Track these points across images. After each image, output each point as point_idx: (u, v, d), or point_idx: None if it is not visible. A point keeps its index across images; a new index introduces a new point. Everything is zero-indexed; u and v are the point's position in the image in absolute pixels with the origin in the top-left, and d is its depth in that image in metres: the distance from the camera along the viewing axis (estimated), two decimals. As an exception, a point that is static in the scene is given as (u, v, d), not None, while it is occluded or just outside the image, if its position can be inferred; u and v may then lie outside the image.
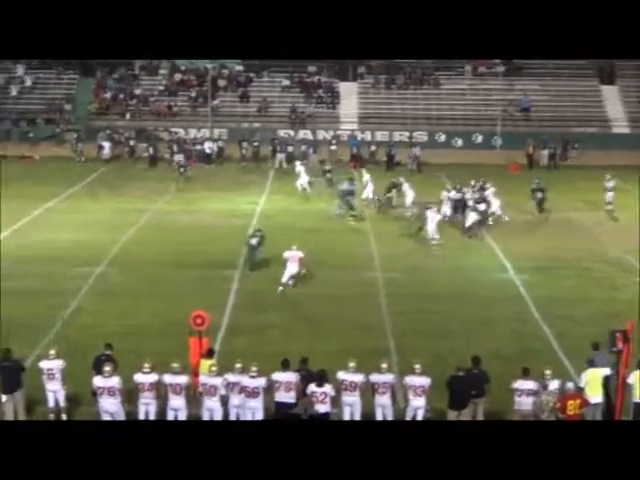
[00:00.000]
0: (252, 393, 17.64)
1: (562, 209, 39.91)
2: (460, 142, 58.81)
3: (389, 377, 18.07)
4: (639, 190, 41.51)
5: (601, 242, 34.35)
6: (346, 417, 17.95)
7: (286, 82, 63.35)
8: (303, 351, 19.76)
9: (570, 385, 17.66)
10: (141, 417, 17.83)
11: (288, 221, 36.96)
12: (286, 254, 27.85)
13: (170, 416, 17.77)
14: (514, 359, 21.24)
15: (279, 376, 17.91)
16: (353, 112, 61.60)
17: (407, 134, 58.43)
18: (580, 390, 17.87)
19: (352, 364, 17.93)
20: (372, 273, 29.94)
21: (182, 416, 17.76)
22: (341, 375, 17.91)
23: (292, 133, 58.57)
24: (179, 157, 48.51)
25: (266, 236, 30.03)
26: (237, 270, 29.79)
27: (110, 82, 63.25)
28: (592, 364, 18.45)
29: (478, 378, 18.23)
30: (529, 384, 17.80)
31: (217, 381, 17.66)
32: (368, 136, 57.81)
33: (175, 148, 50.79)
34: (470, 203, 35.82)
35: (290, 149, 52.09)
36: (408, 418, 17.92)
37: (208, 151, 52.56)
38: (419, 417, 17.87)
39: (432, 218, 33.61)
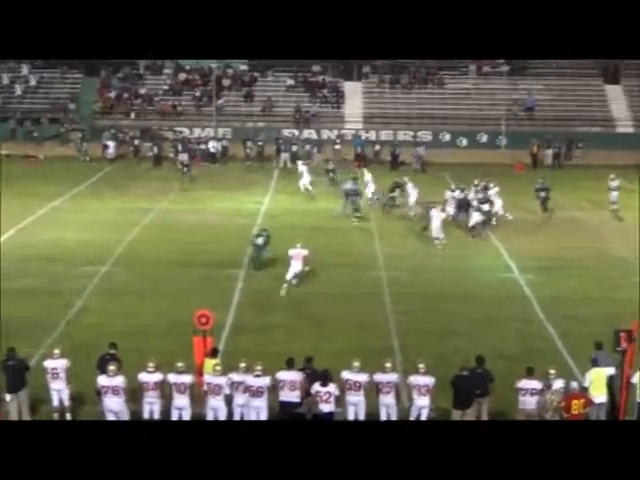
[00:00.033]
0: (256, 392, 17.64)
1: (566, 208, 39.90)
2: (464, 142, 58.78)
3: (393, 377, 18.08)
4: (639, 189, 41.47)
5: (606, 242, 34.32)
6: (350, 417, 17.95)
7: (290, 82, 63.34)
8: (307, 350, 19.75)
9: (574, 385, 17.68)
10: (145, 416, 17.86)
11: (292, 220, 36.94)
12: (291, 252, 27.89)
13: (174, 415, 17.79)
14: (518, 359, 21.25)
15: (284, 375, 17.92)
16: (357, 112, 61.58)
17: (411, 134, 58.40)
18: (584, 390, 17.87)
19: (356, 363, 17.94)
20: (376, 272, 29.93)
21: (186, 415, 17.78)
22: (345, 375, 17.91)
23: (296, 132, 58.55)
24: (183, 156, 48.48)
25: (272, 236, 30.01)
26: (242, 269, 29.80)
27: (114, 81, 63.27)
28: (596, 364, 18.45)
29: (482, 378, 18.22)
30: (533, 384, 17.80)
31: (221, 380, 17.67)
32: (372, 136, 57.82)
33: (179, 147, 50.71)
34: (474, 203, 35.78)
35: (294, 148, 52.04)
36: (412, 417, 17.93)
37: (212, 150, 52.56)
38: (423, 416, 17.88)
39: (436, 217, 33.58)
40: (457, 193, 37.25)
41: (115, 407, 17.57)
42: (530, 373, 18.00)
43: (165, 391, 17.81)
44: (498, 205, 37.01)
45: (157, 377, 17.76)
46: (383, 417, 18.02)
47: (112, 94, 62.14)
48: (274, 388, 17.84)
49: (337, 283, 28.50)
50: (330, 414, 17.55)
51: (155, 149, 51.74)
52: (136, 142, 53.83)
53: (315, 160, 50.42)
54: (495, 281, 29.27)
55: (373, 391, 17.99)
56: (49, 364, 18.68)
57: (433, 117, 60.57)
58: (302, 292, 27.52)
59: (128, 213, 38.58)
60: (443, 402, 18.07)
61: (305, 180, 42.62)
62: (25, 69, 63.01)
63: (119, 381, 17.54)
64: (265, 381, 17.68)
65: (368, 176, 40.88)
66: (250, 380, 17.70)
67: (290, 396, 17.83)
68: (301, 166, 43.88)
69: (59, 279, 28.46)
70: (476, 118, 60.22)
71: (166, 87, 63.15)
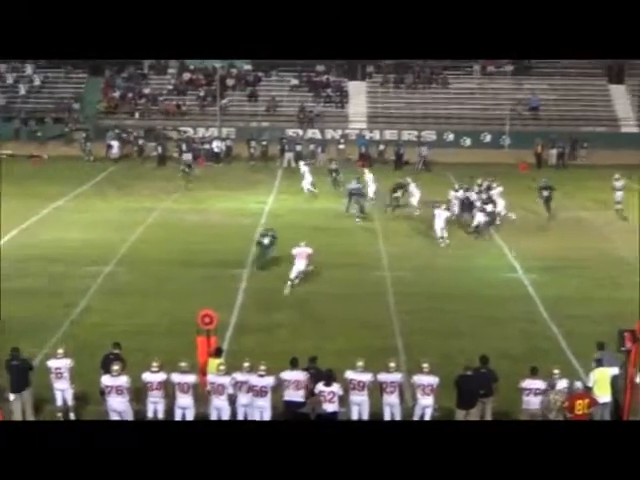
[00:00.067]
0: (260, 392, 17.65)
1: (571, 208, 39.88)
2: (468, 141, 58.78)
3: (397, 376, 18.06)
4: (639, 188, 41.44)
5: (610, 242, 34.27)
6: (354, 416, 17.95)
7: (295, 81, 63.37)
8: (311, 350, 19.76)
9: (578, 384, 17.65)
10: (149, 416, 17.87)
11: (296, 220, 36.93)
12: (294, 250, 27.94)
13: (178, 415, 17.80)
14: (522, 358, 21.23)
15: (288, 375, 17.92)
16: (362, 111, 61.60)
17: (415, 133, 58.38)
18: (588, 390, 17.85)
19: (360, 363, 17.94)
20: (380, 272, 29.92)
21: (190, 415, 17.79)
22: (349, 374, 17.91)
23: (300, 132, 58.61)
24: (187, 156, 48.55)
25: (277, 236, 29.96)
26: (245, 269, 29.81)
27: (119, 81, 63.35)
28: (600, 363, 18.43)
29: (486, 377, 18.22)
30: (537, 383, 17.79)
31: (225, 380, 17.68)
32: (377, 135, 57.90)
33: (183, 147, 50.78)
34: (478, 204, 35.74)
35: (298, 148, 52.10)
36: (416, 417, 17.92)
37: (216, 150, 52.59)
38: (427, 416, 17.87)
39: (439, 215, 33.63)
40: (461, 193, 37.24)
41: (119, 407, 17.58)
42: (534, 373, 17.99)
43: (169, 391, 17.82)
44: (501, 205, 36.96)
45: (161, 377, 17.77)
46: (387, 417, 18.01)
47: (116, 94, 62.22)
48: (278, 388, 17.85)
49: (341, 283, 28.50)
50: (334, 414, 17.55)
51: (159, 149, 51.79)
52: (140, 142, 53.87)
53: (319, 160, 50.47)
54: (499, 281, 29.25)
55: (377, 391, 17.97)
56: (53, 364, 18.70)
57: (437, 117, 60.61)
58: (306, 292, 27.52)
59: (132, 213, 38.60)
60: (447, 402, 18.07)
61: (306, 181, 42.61)
62: (29, 69, 63.09)
63: (123, 381, 17.55)
64: (269, 381, 17.68)
65: (369, 176, 40.86)
66: (254, 380, 17.70)
67: (294, 396, 17.83)
68: (303, 167, 43.88)
69: (62, 279, 28.48)
70: (480, 118, 60.23)
71: (170, 87, 63.21)
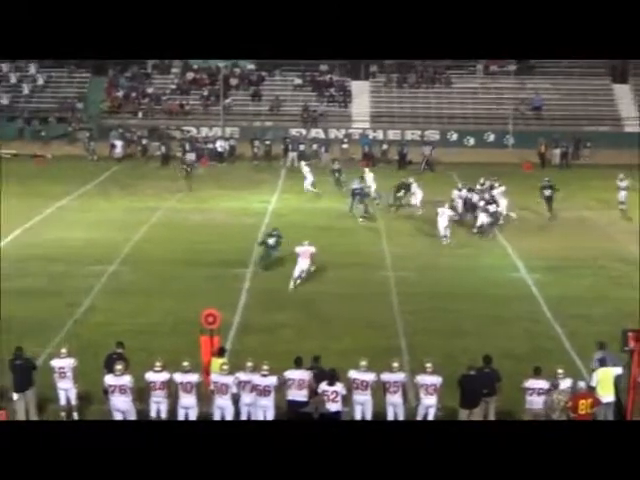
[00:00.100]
0: (263, 391, 17.65)
1: (574, 208, 39.84)
2: (472, 141, 58.72)
3: (400, 376, 18.06)
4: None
5: (614, 241, 34.25)
6: (357, 416, 17.94)
7: (298, 81, 63.33)
8: (314, 350, 19.74)
9: (582, 384, 17.65)
10: (152, 415, 17.88)
11: (300, 220, 36.91)
12: (298, 249, 27.98)
13: (181, 415, 17.81)
14: (526, 358, 21.23)
15: (292, 374, 17.93)
16: (365, 111, 61.54)
17: (419, 133, 58.33)
18: (592, 389, 17.84)
19: (363, 363, 17.94)
20: (384, 272, 29.92)
21: (193, 414, 17.80)
22: (352, 374, 17.91)
23: (304, 132, 58.53)
24: (191, 155, 48.57)
25: (283, 236, 29.92)
26: (249, 269, 29.82)
27: (122, 81, 63.32)
28: (604, 363, 18.42)
29: (489, 377, 18.22)
30: (540, 383, 17.78)
31: (228, 379, 17.68)
32: (380, 135, 57.81)
33: (187, 147, 50.76)
34: (481, 204, 35.68)
35: (302, 148, 52.06)
36: (419, 417, 17.92)
37: (220, 150, 52.59)
38: (430, 416, 17.87)
39: (442, 213, 33.65)
40: (464, 192, 37.23)
41: (122, 406, 17.59)
42: (537, 373, 17.99)
43: (172, 390, 17.82)
44: (503, 204, 36.92)
45: (164, 376, 17.77)
46: (390, 416, 18.01)
47: (120, 93, 62.19)
48: (281, 387, 17.86)
49: (345, 283, 28.49)
50: (337, 413, 17.55)
51: (163, 148, 51.79)
52: (144, 141, 53.88)
53: (323, 159, 50.44)
54: (503, 281, 29.24)
55: (380, 390, 17.98)
56: (56, 363, 18.70)
57: (440, 116, 60.54)
58: (309, 291, 27.52)
59: (135, 212, 38.62)
60: (450, 401, 18.07)
61: (307, 181, 42.60)
62: (33, 68, 63.07)
63: (126, 380, 17.56)
64: (272, 380, 17.68)
65: (369, 175, 40.82)
66: (257, 379, 17.71)
67: (298, 395, 17.83)
68: (304, 167, 43.85)
69: (66, 278, 28.50)
70: (483, 117, 60.16)
71: (174, 86, 63.18)
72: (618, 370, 18.35)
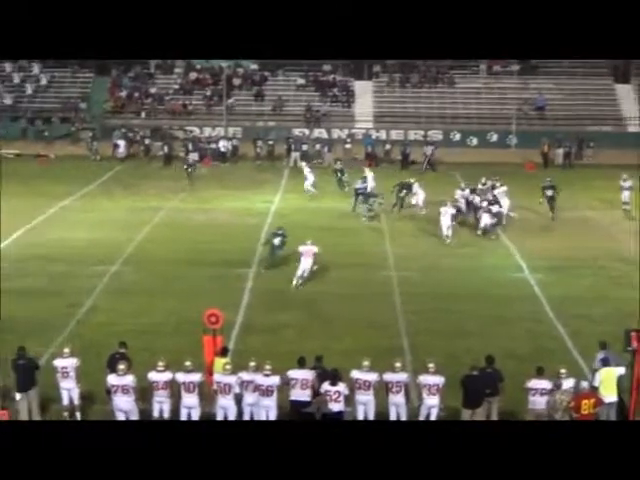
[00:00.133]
0: (266, 391, 17.65)
1: (577, 208, 39.82)
2: (475, 141, 58.69)
3: (403, 376, 18.06)
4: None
5: (617, 241, 34.22)
6: (360, 416, 17.95)
7: (301, 81, 63.32)
8: (317, 350, 19.75)
9: (584, 384, 17.64)
10: (155, 415, 17.89)
11: (302, 219, 36.88)
12: (301, 248, 27.99)
13: (183, 414, 17.81)
14: (528, 358, 21.23)
15: (295, 373, 17.94)
16: (368, 111, 61.52)
17: (422, 133, 58.31)
18: (594, 389, 17.84)
19: (366, 363, 17.94)
20: (387, 272, 29.92)
21: (195, 414, 17.80)
22: (355, 374, 17.92)
23: (307, 132, 58.55)
24: (194, 156, 48.60)
25: (288, 236, 29.90)
26: (251, 269, 29.82)
27: (125, 81, 63.36)
28: (607, 363, 18.42)
29: (492, 377, 18.21)
30: (543, 383, 17.77)
31: (231, 379, 17.69)
32: (383, 135, 57.75)
33: (190, 147, 50.80)
34: (483, 204, 35.62)
35: (305, 148, 52.10)
36: (422, 417, 17.92)
37: (223, 150, 52.62)
38: (433, 416, 17.87)
39: (445, 212, 33.66)
40: (467, 192, 37.21)
41: (125, 406, 17.61)
42: (540, 373, 17.98)
43: (174, 390, 17.83)
44: (505, 204, 36.89)
45: (167, 376, 17.78)
46: (392, 416, 18.02)
47: (123, 93, 62.23)
48: (284, 387, 17.86)
49: (347, 283, 28.49)
50: (339, 413, 17.55)
51: (166, 148, 51.81)
52: (147, 141, 53.87)
53: (326, 159, 50.46)
54: (506, 281, 29.24)
55: (383, 390, 17.98)
56: (59, 363, 18.72)
57: (443, 116, 60.50)
58: (312, 291, 27.53)
59: (138, 212, 38.63)
60: (453, 401, 18.07)
61: (308, 182, 42.58)
62: (36, 68, 63.08)
63: (129, 380, 17.57)
64: (275, 380, 17.70)
65: (369, 175, 40.78)
66: (260, 379, 17.72)
67: (300, 395, 17.83)
68: (305, 167, 43.81)
69: (69, 278, 28.52)
70: (486, 117, 60.12)
71: (177, 86, 63.19)
72: (621, 370, 18.35)
